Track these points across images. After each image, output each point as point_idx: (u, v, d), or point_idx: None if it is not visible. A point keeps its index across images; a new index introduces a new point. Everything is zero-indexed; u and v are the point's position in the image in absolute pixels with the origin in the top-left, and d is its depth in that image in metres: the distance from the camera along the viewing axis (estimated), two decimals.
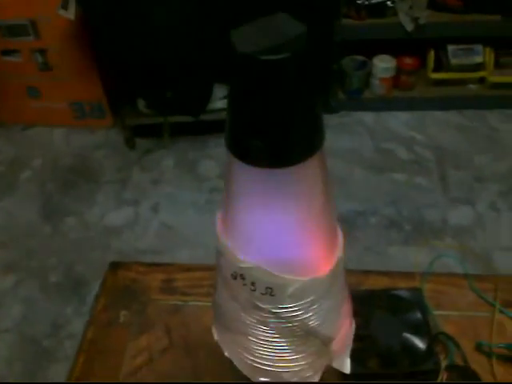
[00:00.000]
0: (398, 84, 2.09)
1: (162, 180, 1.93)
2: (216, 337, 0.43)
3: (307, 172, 0.30)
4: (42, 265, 1.66)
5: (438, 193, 1.83)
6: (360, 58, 2.09)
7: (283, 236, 0.32)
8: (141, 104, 1.90)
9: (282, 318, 0.36)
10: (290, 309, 0.35)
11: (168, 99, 1.81)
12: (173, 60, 1.63)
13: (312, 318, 0.36)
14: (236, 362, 0.41)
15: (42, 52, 1.90)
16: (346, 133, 2.07)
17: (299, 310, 0.35)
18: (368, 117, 2.12)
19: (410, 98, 2.10)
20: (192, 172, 1.93)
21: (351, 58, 2.09)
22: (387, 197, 1.83)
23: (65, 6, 1.57)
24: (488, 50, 2.00)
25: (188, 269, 0.73)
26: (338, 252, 0.36)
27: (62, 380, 0.64)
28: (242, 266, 0.34)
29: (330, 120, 2.12)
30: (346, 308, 0.41)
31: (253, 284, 0.34)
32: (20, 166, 2.00)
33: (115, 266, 0.75)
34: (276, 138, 0.27)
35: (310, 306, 0.36)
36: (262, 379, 0.40)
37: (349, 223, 1.75)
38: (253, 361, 0.39)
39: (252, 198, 0.31)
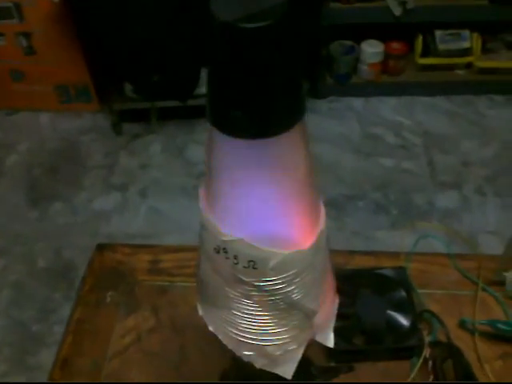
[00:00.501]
0: (386, 69, 2.09)
1: (150, 165, 1.92)
2: (200, 312, 0.43)
3: (288, 143, 0.30)
4: (30, 250, 1.65)
5: (426, 177, 1.84)
6: (348, 42, 2.08)
7: (265, 209, 0.33)
8: (128, 89, 1.88)
9: (265, 291, 0.36)
10: (273, 282, 0.36)
11: (155, 84, 1.79)
12: (159, 44, 1.62)
13: (295, 291, 0.37)
14: (221, 337, 0.41)
15: (27, 35, 1.88)
16: (334, 118, 2.07)
17: (282, 283, 0.36)
18: (356, 102, 2.13)
19: (397, 83, 2.11)
20: (180, 157, 1.93)
21: (339, 42, 2.08)
22: (375, 181, 1.84)
23: None
24: (475, 35, 2.00)
25: (174, 250, 0.74)
26: (320, 225, 0.36)
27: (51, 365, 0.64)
28: (225, 239, 0.34)
29: (318, 105, 2.12)
30: (329, 282, 0.41)
31: (235, 257, 0.35)
32: (6, 151, 1.98)
33: (102, 248, 0.75)
34: (257, 108, 0.27)
35: (292, 279, 0.36)
36: (247, 353, 0.41)
37: (337, 208, 1.76)
38: (237, 335, 0.40)
39: (233, 171, 0.31)
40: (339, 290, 0.65)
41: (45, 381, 0.63)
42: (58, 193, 1.84)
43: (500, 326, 0.62)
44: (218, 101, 0.28)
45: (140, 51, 1.68)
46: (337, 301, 0.45)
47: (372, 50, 2.03)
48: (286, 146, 0.30)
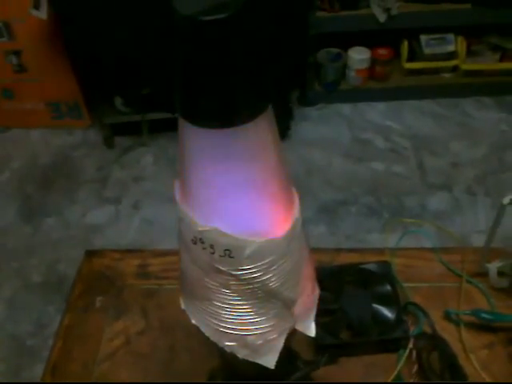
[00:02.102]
0: (374, 75, 2.11)
1: (143, 177, 1.93)
2: (183, 306, 0.44)
3: (256, 132, 0.31)
4: (24, 265, 1.66)
5: (416, 180, 1.86)
6: (335, 50, 2.11)
7: (237, 198, 0.34)
8: (118, 102, 1.90)
9: (243, 280, 0.37)
10: (250, 270, 0.36)
11: (145, 96, 1.81)
12: (149, 57, 1.63)
13: (272, 279, 0.38)
14: (203, 329, 0.42)
15: (17, 53, 1.89)
16: (324, 124, 2.09)
17: (258, 271, 0.37)
18: (345, 108, 2.15)
19: (385, 89, 2.13)
20: (172, 168, 1.94)
21: (326, 50, 2.11)
22: (366, 185, 1.85)
23: (37, 6, 1.56)
24: (460, 38, 2.03)
25: (162, 254, 0.74)
26: (295, 213, 0.38)
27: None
28: (201, 229, 0.35)
29: (308, 112, 2.14)
30: (308, 271, 0.42)
31: (211, 247, 0.36)
32: None
33: (90, 254, 0.76)
34: (222, 98, 0.28)
35: (269, 268, 0.37)
36: (229, 343, 0.42)
37: (330, 212, 1.77)
38: (218, 325, 0.41)
39: (204, 161, 0.32)
40: (325, 287, 0.66)
41: None
42: (51, 207, 1.84)
43: (484, 315, 0.63)
44: (184, 92, 0.29)
45: (129, 64, 1.69)
46: (317, 291, 0.46)
47: (359, 56, 2.06)
48: (254, 135, 0.31)
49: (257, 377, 0.53)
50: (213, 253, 0.36)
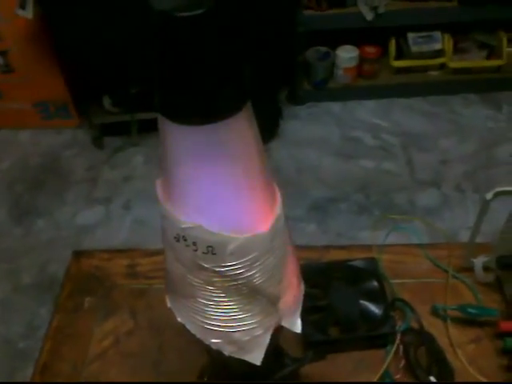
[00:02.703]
0: (362, 73, 2.12)
1: (133, 177, 1.93)
2: (169, 304, 0.44)
3: (235, 129, 0.31)
4: (15, 266, 1.65)
5: (405, 177, 1.87)
6: (323, 49, 2.12)
7: (219, 194, 0.34)
8: (106, 102, 1.89)
9: (227, 277, 0.37)
10: (233, 267, 0.37)
11: (133, 95, 1.81)
12: (136, 56, 1.63)
13: (256, 275, 0.38)
14: (188, 326, 0.42)
15: (3, 54, 1.88)
16: (313, 123, 2.10)
17: (242, 267, 0.37)
18: (334, 106, 2.15)
19: (374, 87, 2.14)
20: None
21: (315, 49, 2.11)
22: (356, 183, 1.86)
23: (23, 6, 1.56)
24: (447, 36, 2.04)
25: (151, 253, 0.74)
26: (277, 209, 0.38)
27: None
28: (183, 226, 0.35)
29: (297, 111, 2.14)
30: (292, 267, 0.42)
31: (194, 244, 0.36)
32: None
33: (78, 255, 0.75)
34: (199, 94, 0.28)
35: (252, 264, 0.37)
36: (214, 340, 0.42)
37: (321, 210, 1.77)
38: (203, 322, 0.41)
39: (184, 158, 0.32)
40: (313, 284, 0.66)
41: None
42: (41, 208, 1.83)
43: (470, 310, 0.63)
44: (162, 89, 0.30)
45: (117, 63, 1.69)
46: (303, 287, 0.46)
47: (347, 54, 2.06)
48: (234, 132, 0.31)
49: (245, 374, 0.54)
50: (196, 250, 0.36)
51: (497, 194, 0.60)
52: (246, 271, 0.37)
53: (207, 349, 0.50)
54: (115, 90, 1.89)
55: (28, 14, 1.55)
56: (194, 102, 0.29)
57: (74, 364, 0.64)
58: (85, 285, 0.72)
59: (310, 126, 2.09)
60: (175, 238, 0.37)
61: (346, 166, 1.92)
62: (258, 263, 0.37)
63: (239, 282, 0.38)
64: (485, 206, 0.61)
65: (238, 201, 0.35)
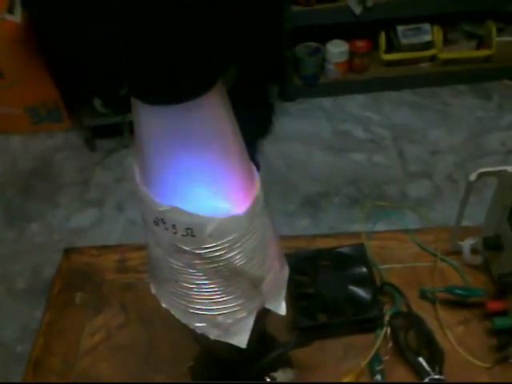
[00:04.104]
0: (352, 67, 2.12)
1: (126, 178, 1.93)
2: (153, 290, 0.45)
3: (207, 108, 0.31)
4: (8, 271, 1.64)
5: (397, 169, 1.87)
6: (313, 44, 2.12)
7: (195, 175, 0.34)
8: (97, 103, 1.89)
9: (207, 259, 0.37)
10: (213, 249, 0.37)
11: (124, 97, 1.80)
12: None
13: (236, 257, 0.38)
14: (173, 311, 0.43)
15: None
16: (304, 118, 2.10)
17: (221, 249, 0.37)
18: (325, 101, 2.16)
19: (364, 81, 2.14)
20: None
21: (305, 44, 2.11)
22: (348, 176, 1.86)
23: (11, 10, 1.55)
24: (436, 27, 2.05)
25: (140, 248, 0.74)
26: (256, 190, 0.38)
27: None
28: (161, 209, 0.35)
29: (288, 107, 2.14)
30: (274, 249, 0.42)
31: (173, 227, 0.36)
32: None
33: (69, 252, 0.76)
34: (166, 72, 0.28)
35: (232, 246, 0.37)
36: (199, 324, 0.42)
37: (313, 205, 1.78)
38: (187, 307, 0.41)
39: (158, 140, 0.32)
40: (302, 271, 0.67)
41: None
42: (33, 212, 1.83)
43: (458, 291, 0.64)
44: (130, 69, 0.30)
45: (107, 64, 1.69)
46: (287, 271, 0.47)
47: (337, 49, 2.06)
48: (206, 112, 0.32)
49: (235, 362, 0.54)
50: (175, 233, 0.36)
51: (480, 175, 0.61)
52: (226, 253, 0.38)
53: (196, 338, 0.50)
54: (105, 92, 1.88)
55: (16, 18, 1.55)
56: (161, 80, 0.29)
57: (65, 359, 0.64)
58: (75, 281, 0.72)
59: (300, 122, 2.09)
60: (154, 221, 0.37)
61: (337, 160, 1.92)
62: (237, 245, 0.38)
63: (220, 264, 0.38)
64: (469, 188, 0.61)
65: (214, 182, 0.35)
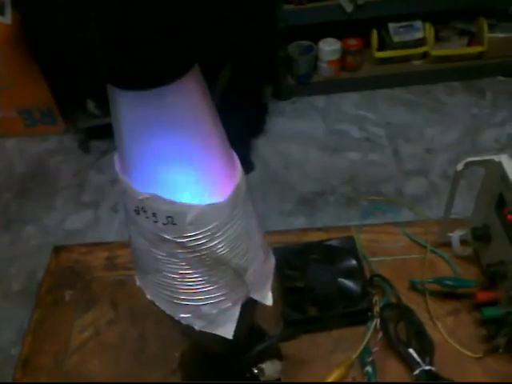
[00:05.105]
0: (345, 65, 2.13)
1: None
2: (138, 282, 0.44)
3: (183, 94, 0.31)
4: (4, 274, 1.64)
5: (392, 167, 1.87)
6: (306, 43, 2.12)
7: (174, 163, 0.34)
8: (90, 105, 1.89)
9: (189, 248, 0.37)
10: (194, 237, 0.37)
11: None
12: None
13: (218, 246, 0.38)
14: (158, 303, 0.42)
15: None
16: (299, 117, 2.10)
17: (203, 238, 0.37)
18: (319, 100, 2.16)
19: (357, 79, 2.15)
20: None
21: (297, 43, 2.12)
22: (344, 175, 1.86)
23: (1, 12, 1.55)
24: (427, 25, 2.05)
25: (129, 245, 0.74)
26: (237, 179, 0.38)
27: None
28: (141, 198, 0.35)
29: (282, 107, 2.15)
30: (258, 239, 0.42)
31: (154, 215, 0.36)
32: None
33: (58, 250, 0.75)
34: (139, 55, 0.28)
35: (213, 234, 0.37)
36: (184, 315, 0.42)
37: (309, 204, 1.78)
38: (171, 297, 0.41)
39: (135, 127, 0.32)
40: (292, 265, 0.66)
41: None
42: (29, 215, 1.83)
43: (447, 282, 0.64)
44: (107, 57, 0.30)
45: (99, 66, 1.69)
46: (273, 260, 0.46)
47: (329, 48, 2.07)
48: (182, 97, 0.31)
49: (223, 354, 0.54)
50: (156, 221, 0.36)
51: (467, 165, 0.61)
52: (208, 241, 0.37)
53: (183, 331, 0.50)
54: (98, 93, 1.88)
55: (6, 19, 1.55)
56: (135, 64, 0.29)
57: (55, 357, 0.64)
58: (65, 279, 0.72)
59: (295, 121, 2.09)
60: (135, 210, 0.37)
61: (332, 159, 1.92)
62: (219, 233, 0.38)
63: (202, 252, 0.38)
64: (456, 177, 0.61)
65: (193, 169, 0.35)
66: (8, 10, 1.53)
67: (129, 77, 0.29)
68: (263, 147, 1.98)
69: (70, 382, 0.62)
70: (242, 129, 1.76)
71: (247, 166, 1.82)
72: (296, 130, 2.05)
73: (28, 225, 1.80)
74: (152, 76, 0.29)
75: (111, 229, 1.77)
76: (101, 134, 2.02)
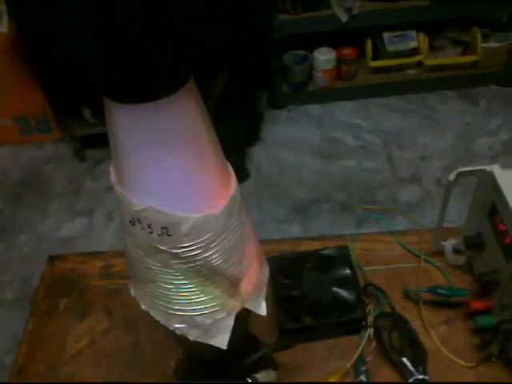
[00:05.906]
0: (340, 74, 2.14)
1: None
2: (133, 292, 0.45)
3: (179, 107, 0.31)
4: None
5: (386, 174, 1.88)
6: (301, 52, 2.13)
7: (169, 174, 0.34)
8: (86, 113, 1.89)
9: (184, 259, 0.38)
10: (189, 248, 0.37)
11: None
12: None
13: (213, 256, 0.38)
14: (152, 313, 0.43)
15: None
16: (294, 126, 2.11)
17: (198, 248, 0.37)
18: (314, 109, 2.17)
19: (352, 88, 2.16)
20: None
21: (292, 53, 2.13)
22: (338, 183, 1.87)
23: None
24: (421, 34, 2.07)
25: (124, 254, 0.74)
26: (232, 190, 0.38)
27: None
28: (136, 209, 0.35)
29: (277, 115, 2.16)
30: (253, 249, 0.43)
31: (149, 226, 0.36)
32: None
33: (53, 259, 0.76)
34: (136, 69, 0.29)
35: (208, 245, 0.37)
36: (178, 326, 0.42)
37: (303, 212, 1.78)
38: (166, 308, 0.41)
39: (132, 139, 0.33)
40: (286, 274, 0.67)
41: None
42: (23, 223, 1.82)
43: (441, 291, 0.64)
44: (104, 70, 0.30)
45: (95, 74, 1.69)
46: (267, 270, 0.47)
47: (324, 57, 2.08)
48: (178, 110, 0.32)
49: (217, 363, 0.54)
50: (151, 232, 0.36)
51: (459, 175, 0.61)
52: (203, 252, 0.38)
53: (178, 340, 0.50)
54: (94, 102, 1.88)
55: (2, 28, 1.55)
56: (131, 78, 0.29)
57: (49, 365, 0.64)
58: (60, 287, 0.72)
59: (290, 129, 2.10)
60: (131, 221, 0.37)
61: (327, 166, 1.93)
62: (214, 244, 0.38)
63: (197, 263, 0.38)
64: (448, 187, 0.62)
65: (188, 181, 0.35)
66: (4, 19, 1.54)
67: (126, 90, 0.30)
68: (258, 155, 1.99)
69: (64, 382, 0.62)
70: (237, 137, 1.77)
71: (242, 174, 1.83)
72: (291, 137, 2.06)
73: (22, 232, 1.80)
74: (148, 90, 0.30)
75: (106, 236, 1.77)
76: (96, 143, 2.02)
